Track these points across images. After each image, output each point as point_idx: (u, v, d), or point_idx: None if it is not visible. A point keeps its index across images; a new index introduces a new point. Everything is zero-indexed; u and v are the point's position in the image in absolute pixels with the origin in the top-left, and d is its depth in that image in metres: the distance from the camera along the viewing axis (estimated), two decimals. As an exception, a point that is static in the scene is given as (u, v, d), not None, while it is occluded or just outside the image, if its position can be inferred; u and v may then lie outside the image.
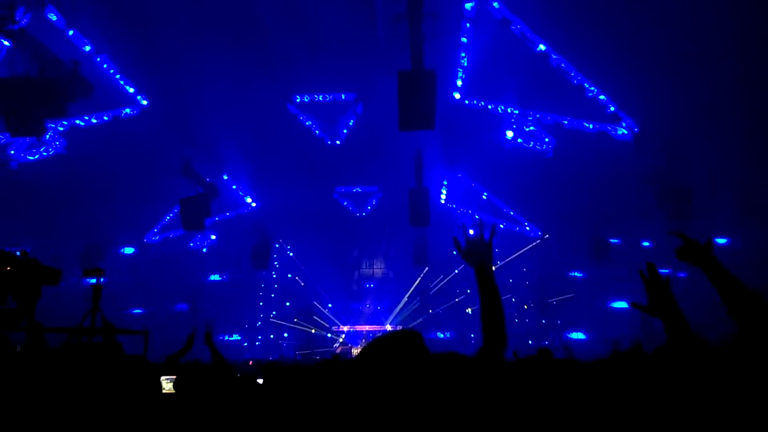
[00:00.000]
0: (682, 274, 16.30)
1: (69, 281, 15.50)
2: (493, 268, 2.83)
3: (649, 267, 2.70)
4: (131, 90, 17.94)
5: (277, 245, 29.43)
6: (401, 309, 29.93)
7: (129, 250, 26.94)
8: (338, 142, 20.57)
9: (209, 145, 19.59)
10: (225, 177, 23.21)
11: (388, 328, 29.05)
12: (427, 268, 28.14)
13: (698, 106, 15.70)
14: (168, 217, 25.43)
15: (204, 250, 27.80)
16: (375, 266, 31.48)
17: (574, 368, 2.78)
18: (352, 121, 20.17)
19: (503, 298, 2.73)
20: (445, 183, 24.26)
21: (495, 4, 15.17)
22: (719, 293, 2.45)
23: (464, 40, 15.98)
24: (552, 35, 15.80)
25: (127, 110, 18.53)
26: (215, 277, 29.26)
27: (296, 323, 29.57)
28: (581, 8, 14.37)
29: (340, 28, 16.00)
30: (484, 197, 25.09)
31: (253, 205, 25.56)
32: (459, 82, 17.44)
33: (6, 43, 13.65)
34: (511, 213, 26.13)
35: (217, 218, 24.72)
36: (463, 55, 16.43)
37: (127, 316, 24.73)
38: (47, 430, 3.04)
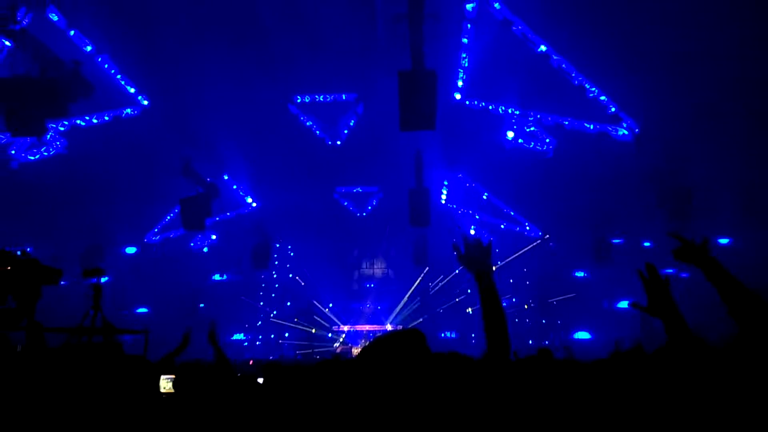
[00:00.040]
0: (684, 275, 16.31)
1: (70, 281, 15.50)
2: (494, 268, 2.84)
3: (649, 267, 2.70)
4: (132, 90, 17.95)
5: (277, 245, 29.44)
6: (401, 309, 29.93)
7: (131, 250, 26.96)
8: (339, 143, 20.57)
9: (210, 145, 19.60)
10: (225, 177, 23.22)
11: (389, 327, 29.05)
12: (427, 268, 28.15)
13: (699, 106, 15.71)
14: (168, 217, 25.46)
15: (205, 249, 27.80)
16: (375, 266, 31.49)
17: (574, 368, 2.78)
18: (352, 121, 20.17)
19: (504, 297, 2.75)
20: (446, 183, 24.26)
21: (496, 5, 15.17)
22: (719, 293, 2.46)
23: (465, 40, 15.99)
24: (553, 36, 15.80)
25: (128, 110, 18.54)
26: (216, 277, 29.29)
27: (296, 323, 29.59)
28: (582, 9, 14.36)
29: (341, 28, 16.00)
30: (485, 197, 25.09)
31: (254, 205, 25.58)
32: (460, 83, 17.45)
33: (7, 43, 13.66)
34: (512, 213, 26.13)
35: (217, 218, 24.73)
36: (464, 55, 16.43)
37: (131, 315, 24.82)
38: (47, 429, 3.05)
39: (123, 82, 17.55)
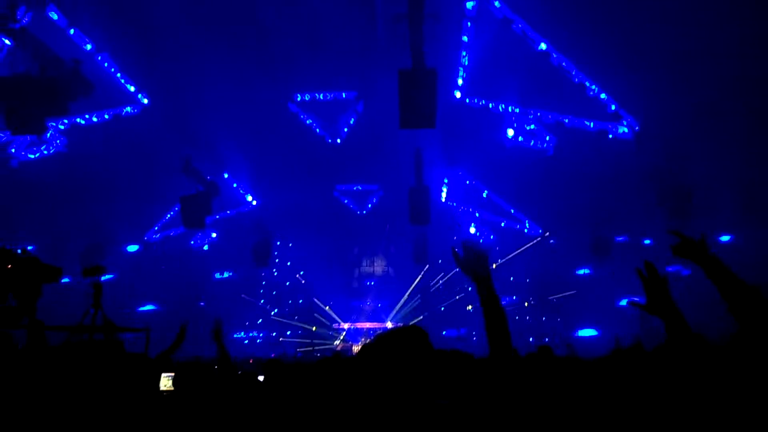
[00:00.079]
0: (686, 272, 16.34)
1: (71, 279, 15.50)
2: (494, 265, 2.85)
3: (647, 266, 2.71)
4: (132, 88, 17.95)
5: (278, 243, 29.45)
6: (402, 306, 29.95)
7: (133, 248, 26.98)
8: (339, 141, 20.58)
9: (210, 143, 19.60)
10: (225, 175, 23.22)
11: (389, 325, 29.06)
12: (427, 266, 28.17)
13: (699, 104, 15.71)
14: (169, 216, 25.48)
15: (205, 248, 27.81)
16: (376, 264, 31.50)
17: (573, 365, 2.79)
18: (352, 119, 20.17)
19: (505, 296, 2.76)
20: (446, 181, 24.27)
21: (496, 3, 15.16)
22: (718, 290, 2.46)
23: (465, 39, 15.98)
24: (553, 34, 15.80)
25: (128, 109, 18.55)
26: (219, 275, 29.31)
27: (297, 321, 29.61)
28: (582, 7, 14.36)
29: (341, 26, 16.00)
30: (485, 195, 25.10)
31: (254, 203, 25.59)
32: (460, 81, 17.44)
33: (7, 42, 13.66)
34: (512, 211, 26.14)
35: (217, 216, 24.74)
36: (464, 54, 16.43)
37: (134, 314, 24.88)
38: (49, 426, 3.06)
39: (123, 81, 17.56)
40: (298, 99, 19.67)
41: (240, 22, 15.69)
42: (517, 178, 21.36)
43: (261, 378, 5.04)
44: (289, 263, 30.51)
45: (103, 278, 7.98)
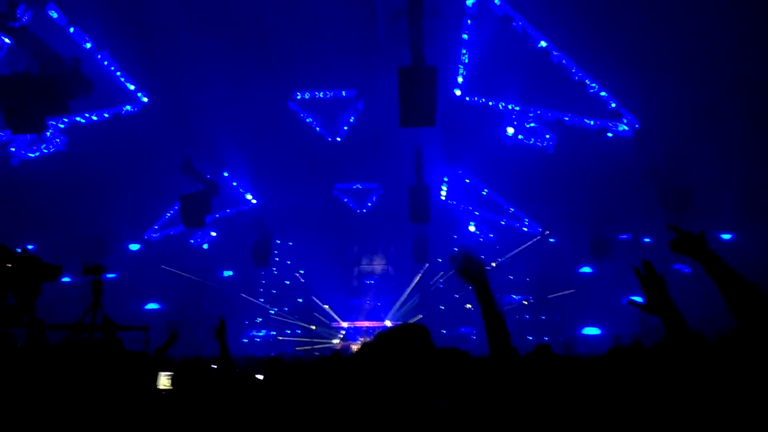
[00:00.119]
0: (686, 270, 16.35)
1: (71, 278, 15.48)
2: (493, 264, 2.86)
3: (645, 264, 2.70)
4: (132, 87, 17.94)
5: (278, 241, 29.46)
6: (401, 305, 29.95)
7: (134, 247, 27.00)
8: (339, 139, 20.57)
9: (209, 141, 19.60)
10: (225, 174, 23.22)
11: (388, 324, 29.06)
12: (427, 265, 28.17)
13: (699, 105, 15.71)
14: (168, 214, 25.48)
15: (204, 246, 27.81)
16: (375, 263, 31.49)
17: (571, 364, 2.79)
18: (352, 117, 20.16)
19: (505, 295, 2.77)
20: (446, 180, 24.25)
21: (496, 1, 15.15)
22: (717, 286, 2.45)
23: (465, 36, 15.95)
24: (553, 32, 15.79)
25: (128, 107, 18.54)
26: (226, 273, 29.33)
27: (296, 320, 29.62)
28: (583, 5, 14.35)
29: (341, 24, 16.00)
30: (485, 193, 25.09)
31: (254, 201, 25.58)
32: (460, 79, 17.42)
33: (7, 40, 13.65)
34: (512, 210, 26.14)
35: (217, 215, 24.74)
36: (464, 51, 16.40)
37: (140, 312, 24.93)
38: (47, 424, 3.06)
39: (123, 79, 17.55)
40: (298, 97, 19.66)
41: (239, 20, 15.68)
42: (517, 176, 21.36)
43: (260, 377, 5.04)
44: (289, 262, 30.51)
45: (104, 277, 7.98)
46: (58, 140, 18.36)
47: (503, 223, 26.81)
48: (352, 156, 21.39)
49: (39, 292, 5.96)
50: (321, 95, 19.63)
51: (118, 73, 17.25)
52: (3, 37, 13.60)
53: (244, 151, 20.75)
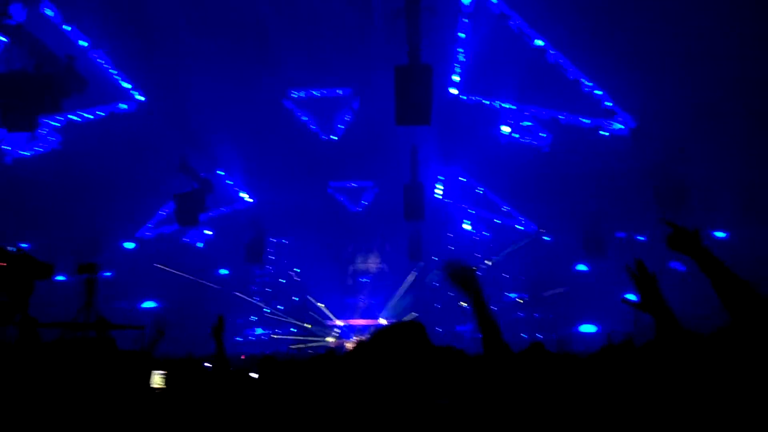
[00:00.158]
0: (682, 268, 16.37)
1: (65, 276, 15.46)
2: (489, 261, 2.86)
3: (638, 263, 2.71)
4: (127, 85, 17.89)
5: (274, 240, 29.42)
6: (395, 303, 29.94)
7: (130, 245, 26.92)
8: (334, 138, 20.55)
9: (204, 139, 19.56)
10: (222, 173, 23.18)
11: (382, 322, 29.05)
12: (422, 263, 28.15)
13: (698, 105, 15.73)
14: (163, 213, 25.41)
15: (199, 245, 27.73)
16: (370, 261, 31.46)
17: (563, 361, 2.79)
18: (348, 116, 20.14)
19: (505, 294, 2.78)
20: (441, 178, 24.25)
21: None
22: (711, 283, 2.44)
23: (462, 35, 15.96)
24: (553, 32, 15.80)
25: (123, 105, 18.49)
26: (222, 272, 29.27)
27: (290, 318, 29.58)
28: (580, 4, 14.36)
29: (337, 22, 15.98)
30: (480, 192, 25.10)
31: (249, 200, 25.53)
32: (456, 78, 17.42)
33: (2, 39, 13.60)
34: (507, 208, 26.15)
35: (211, 214, 24.68)
36: (461, 50, 16.41)
37: (136, 311, 24.85)
38: (38, 422, 3.04)
39: (118, 78, 17.50)
40: (293, 95, 19.63)
41: (236, 18, 15.66)
42: (512, 174, 21.37)
43: (254, 375, 5.02)
44: (285, 261, 30.48)
45: (99, 275, 7.97)
46: (52, 138, 18.29)
47: (498, 221, 26.82)
48: (347, 154, 21.37)
49: (32, 289, 5.94)
50: (316, 93, 19.62)
51: (113, 71, 17.21)
52: (-1, 36, 13.55)
53: (239, 149, 20.71)
